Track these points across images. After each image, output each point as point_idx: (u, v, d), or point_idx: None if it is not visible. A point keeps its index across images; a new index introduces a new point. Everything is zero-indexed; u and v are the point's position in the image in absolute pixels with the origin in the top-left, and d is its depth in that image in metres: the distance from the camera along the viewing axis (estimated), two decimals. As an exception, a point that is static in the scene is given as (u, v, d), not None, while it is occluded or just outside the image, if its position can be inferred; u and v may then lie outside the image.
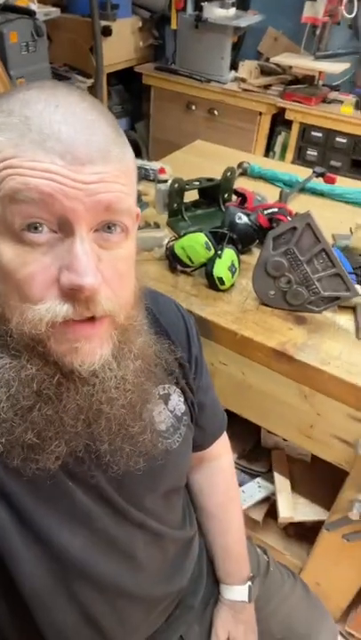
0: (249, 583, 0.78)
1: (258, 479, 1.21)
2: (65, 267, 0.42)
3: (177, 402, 0.65)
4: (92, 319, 0.44)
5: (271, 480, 1.18)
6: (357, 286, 0.91)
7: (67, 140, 0.40)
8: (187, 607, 0.74)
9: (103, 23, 2.41)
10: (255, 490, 1.19)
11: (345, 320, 0.93)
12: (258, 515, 1.20)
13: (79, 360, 0.45)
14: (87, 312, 0.43)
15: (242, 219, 1.04)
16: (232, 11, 2.50)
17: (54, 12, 2.22)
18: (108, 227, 0.44)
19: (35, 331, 0.43)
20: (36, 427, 0.46)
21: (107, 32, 2.46)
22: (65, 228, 0.41)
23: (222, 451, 0.82)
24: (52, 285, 0.42)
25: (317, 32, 2.41)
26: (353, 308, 0.95)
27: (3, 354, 0.45)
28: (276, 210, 1.08)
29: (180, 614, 0.73)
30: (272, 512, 1.18)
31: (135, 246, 0.49)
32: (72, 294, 0.42)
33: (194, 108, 2.71)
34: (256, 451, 1.25)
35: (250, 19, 2.51)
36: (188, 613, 0.74)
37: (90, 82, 2.47)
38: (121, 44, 2.67)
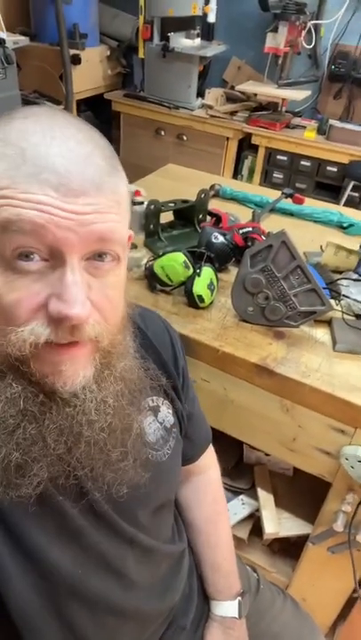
0: (239, 599, 0.78)
1: (241, 496, 1.21)
2: (55, 295, 0.42)
3: (166, 413, 0.66)
4: (75, 342, 0.45)
5: (255, 496, 1.19)
6: (332, 301, 0.94)
7: (61, 172, 0.40)
8: (179, 628, 0.73)
9: (72, 52, 2.46)
10: (239, 507, 1.19)
11: (322, 333, 0.96)
12: (243, 532, 1.19)
13: (61, 382, 0.46)
14: (70, 337, 0.44)
15: (218, 238, 1.07)
16: (197, 41, 2.60)
17: (23, 40, 2.25)
18: (100, 255, 0.44)
19: (19, 352, 0.43)
20: (20, 446, 0.46)
21: (76, 60, 2.51)
22: (56, 257, 0.42)
23: (210, 463, 0.82)
24: (38, 310, 0.43)
25: (279, 61, 2.53)
26: (328, 322, 0.98)
27: None
28: (250, 229, 1.11)
29: (171, 635, 0.72)
30: (256, 529, 1.18)
31: (126, 271, 0.50)
32: (58, 321, 0.42)
33: (163, 133, 2.78)
34: (239, 467, 1.26)
35: (215, 48, 2.61)
36: (180, 634, 0.73)
37: (60, 108, 2.49)
38: (90, 72, 2.73)
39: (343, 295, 0.99)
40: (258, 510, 1.16)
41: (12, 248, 0.41)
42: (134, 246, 1.17)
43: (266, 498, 1.17)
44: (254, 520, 1.20)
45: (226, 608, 0.77)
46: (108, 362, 0.50)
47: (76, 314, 0.41)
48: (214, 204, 1.39)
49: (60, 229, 0.41)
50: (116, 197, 0.44)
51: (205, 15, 2.48)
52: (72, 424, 0.47)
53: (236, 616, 0.77)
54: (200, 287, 0.96)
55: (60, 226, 0.40)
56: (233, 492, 1.22)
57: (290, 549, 1.19)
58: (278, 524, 1.12)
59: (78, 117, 0.46)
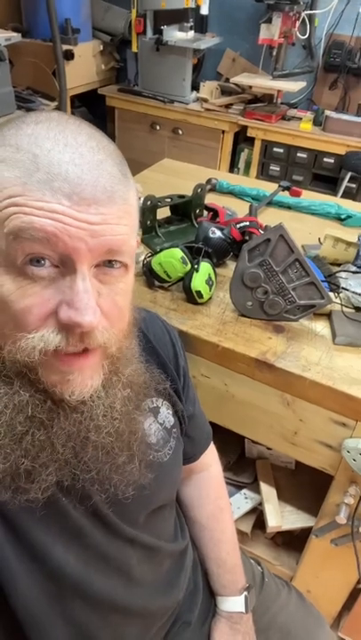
0: (245, 593, 0.78)
1: (244, 490, 1.21)
2: (65, 302, 0.42)
3: (166, 414, 0.66)
4: (84, 350, 0.45)
5: (257, 490, 1.19)
6: (331, 294, 0.94)
7: (74, 180, 0.40)
8: (184, 624, 0.73)
9: (65, 47, 2.45)
10: (242, 501, 1.19)
11: (321, 327, 0.96)
12: (246, 526, 1.20)
13: (70, 390, 0.46)
14: (80, 344, 0.44)
15: (215, 233, 1.06)
16: (191, 34, 2.58)
17: (15, 36, 2.23)
18: (109, 261, 0.45)
19: (28, 359, 0.43)
20: (30, 453, 0.46)
21: (69, 56, 2.49)
22: (67, 264, 0.42)
23: (211, 461, 0.82)
24: (49, 317, 0.43)
25: (274, 53, 2.51)
26: (328, 315, 0.97)
27: None
28: (247, 223, 1.10)
29: (177, 631, 0.72)
30: (260, 523, 1.19)
31: (134, 278, 0.50)
32: (68, 328, 0.43)
33: (158, 127, 2.76)
34: (241, 462, 1.26)
35: (208, 41, 2.59)
36: (186, 630, 0.74)
37: (53, 104, 2.48)
38: (83, 67, 2.71)
39: (342, 288, 0.99)
40: (261, 504, 1.17)
41: (24, 254, 0.41)
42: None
43: (268, 491, 1.17)
44: (257, 514, 1.20)
45: (232, 603, 0.77)
46: (117, 368, 0.51)
47: (87, 321, 0.41)
48: (211, 199, 1.38)
49: (71, 239, 0.41)
50: (126, 207, 0.44)
51: (198, 7, 2.46)
52: (80, 429, 0.48)
53: (243, 611, 0.77)
54: (198, 283, 0.96)
55: (72, 235, 0.41)
56: (236, 486, 1.23)
57: (293, 542, 1.19)
58: (281, 517, 1.13)
59: (88, 123, 0.46)
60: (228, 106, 2.63)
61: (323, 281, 0.94)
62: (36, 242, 0.40)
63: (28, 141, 0.41)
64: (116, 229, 0.43)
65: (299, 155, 2.54)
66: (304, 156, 2.53)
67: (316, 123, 2.48)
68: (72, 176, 0.40)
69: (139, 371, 0.56)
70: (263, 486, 1.18)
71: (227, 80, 2.76)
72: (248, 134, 2.59)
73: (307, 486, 1.17)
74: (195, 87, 2.69)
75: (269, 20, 2.37)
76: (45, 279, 0.42)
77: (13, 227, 0.40)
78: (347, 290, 0.98)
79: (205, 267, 0.98)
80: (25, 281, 0.42)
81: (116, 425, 0.50)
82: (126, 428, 0.52)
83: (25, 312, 0.42)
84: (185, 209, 1.27)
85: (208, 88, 2.60)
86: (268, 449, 1.22)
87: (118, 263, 0.45)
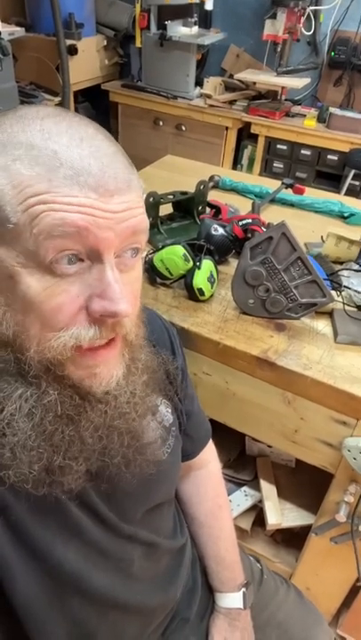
0: (243, 590, 0.78)
1: (244, 487, 1.22)
2: (96, 294, 0.42)
3: (165, 412, 0.66)
4: (110, 340, 0.46)
5: (257, 488, 1.19)
6: (333, 292, 0.94)
7: (97, 173, 0.41)
8: (183, 620, 0.74)
9: (68, 42, 2.44)
10: (242, 498, 1.20)
11: (323, 325, 0.95)
12: (246, 523, 1.20)
13: (97, 383, 0.47)
14: (112, 334, 0.45)
15: (218, 230, 1.06)
16: (195, 29, 2.57)
17: (19, 31, 2.23)
18: (127, 251, 0.45)
19: (60, 356, 0.43)
20: (61, 449, 0.47)
21: (72, 51, 2.49)
22: (93, 257, 0.42)
23: (210, 458, 0.82)
24: (78, 313, 0.43)
25: (278, 49, 2.49)
26: (330, 314, 0.97)
27: (17, 383, 0.45)
28: (250, 221, 1.10)
29: (176, 628, 0.73)
30: (259, 520, 1.19)
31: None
32: (101, 320, 0.43)
33: (161, 123, 2.76)
34: (241, 459, 1.26)
35: (213, 37, 2.58)
36: (185, 626, 0.74)
37: (57, 100, 2.48)
38: (87, 62, 2.70)
39: (344, 286, 0.99)
40: (261, 501, 1.17)
41: (54, 252, 0.40)
42: (134, 239, 1.16)
43: (269, 489, 1.17)
44: (257, 511, 1.21)
45: (230, 600, 0.78)
46: (134, 355, 0.52)
47: (123, 309, 0.42)
48: (214, 196, 1.38)
49: (100, 230, 0.41)
50: (139, 192, 0.46)
51: (202, 3, 2.45)
52: (105, 419, 0.49)
53: (241, 607, 0.77)
54: (200, 280, 0.95)
55: (101, 226, 0.41)
56: (236, 483, 1.23)
57: (293, 540, 1.20)
58: (281, 514, 1.13)
59: (83, 116, 0.47)
60: (231, 102, 2.62)
61: (325, 279, 0.94)
62: (67, 238, 0.40)
63: (41, 138, 0.41)
64: (136, 212, 0.44)
65: (302, 152, 2.53)
66: (308, 153, 2.52)
67: (321, 120, 2.47)
68: (95, 169, 0.41)
69: (151, 356, 0.58)
70: (263, 484, 1.18)
71: (231, 76, 2.75)
72: (252, 131, 2.58)
73: (307, 484, 1.17)
74: (198, 83, 2.69)
75: (274, 16, 2.35)
76: (72, 275, 0.42)
77: (45, 225, 0.39)
78: (349, 288, 0.98)
79: (207, 264, 0.98)
80: (52, 280, 0.42)
81: (139, 410, 0.52)
82: (148, 410, 0.55)
83: (55, 312, 0.42)
84: (187, 206, 1.26)
85: (212, 84, 2.59)
86: (269, 447, 1.22)
87: (136, 250, 0.46)
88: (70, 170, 0.40)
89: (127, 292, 0.45)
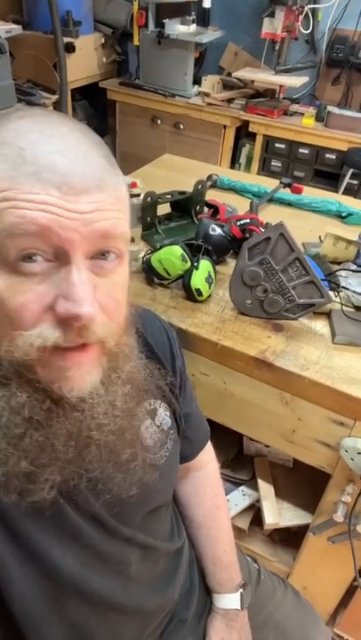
0: (241, 590, 0.79)
1: (242, 487, 1.22)
2: (61, 295, 0.41)
3: (163, 416, 0.65)
4: (82, 345, 0.44)
5: (255, 487, 1.19)
6: (330, 292, 0.94)
7: (62, 170, 0.40)
8: (180, 621, 0.74)
9: (66, 39, 2.43)
10: (240, 498, 1.20)
11: (321, 326, 0.95)
12: (243, 523, 1.20)
13: (69, 387, 0.45)
14: (79, 339, 0.43)
15: (216, 230, 1.06)
16: (193, 27, 2.56)
17: (16, 29, 2.22)
18: (103, 254, 0.44)
19: (25, 357, 0.42)
20: (29, 454, 0.46)
21: (70, 48, 2.47)
22: (61, 257, 0.41)
23: (208, 459, 0.82)
24: (45, 312, 0.42)
25: (276, 47, 2.48)
26: (327, 314, 0.97)
27: None
28: (248, 221, 1.10)
29: (173, 629, 0.73)
30: (257, 519, 1.19)
31: (128, 269, 0.49)
32: (66, 322, 0.42)
33: (159, 122, 2.75)
34: (239, 459, 1.26)
35: (211, 35, 2.57)
36: (182, 627, 0.74)
37: (54, 98, 2.47)
38: (84, 60, 2.69)
39: (342, 287, 0.99)
40: (258, 501, 1.17)
41: (16, 250, 0.40)
42: (131, 239, 1.16)
43: (266, 489, 1.17)
44: (255, 510, 1.21)
45: (228, 600, 0.78)
46: (115, 364, 0.50)
47: (85, 312, 0.41)
48: (212, 195, 1.38)
49: (64, 230, 0.40)
50: (116, 194, 0.44)
51: (200, 0, 2.44)
52: (81, 428, 0.47)
53: (239, 608, 0.77)
54: (198, 280, 0.95)
55: (65, 227, 0.40)
56: (233, 483, 1.23)
57: (290, 539, 1.20)
58: (279, 514, 1.13)
59: (72, 117, 0.45)
60: (229, 100, 2.61)
61: (323, 280, 0.94)
62: (29, 236, 0.40)
63: (13, 135, 0.40)
64: (108, 214, 0.42)
65: (301, 150, 2.53)
66: (306, 151, 2.52)
67: (319, 118, 2.47)
68: (60, 166, 0.40)
69: (138, 367, 0.55)
70: (261, 483, 1.18)
71: (229, 74, 2.74)
72: (250, 129, 2.58)
73: (304, 484, 1.17)
74: (196, 81, 2.68)
75: (272, 14, 2.35)
76: (39, 275, 0.41)
77: (7, 223, 0.39)
78: (347, 289, 0.98)
79: (205, 264, 0.98)
80: (18, 278, 0.41)
81: (118, 422, 0.50)
82: (128, 425, 0.52)
83: (20, 309, 0.42)
84: (185, 205, 1.26)
85: (210, 82, 2.59)
86: (267, 446, 1.23)
87: (113, 254, 0.44)
88: (33, 166, 0.39)
89: (102, 297, 0.44)
